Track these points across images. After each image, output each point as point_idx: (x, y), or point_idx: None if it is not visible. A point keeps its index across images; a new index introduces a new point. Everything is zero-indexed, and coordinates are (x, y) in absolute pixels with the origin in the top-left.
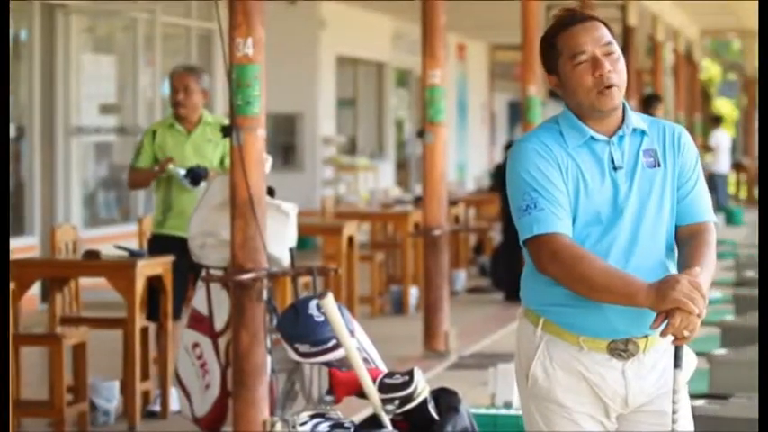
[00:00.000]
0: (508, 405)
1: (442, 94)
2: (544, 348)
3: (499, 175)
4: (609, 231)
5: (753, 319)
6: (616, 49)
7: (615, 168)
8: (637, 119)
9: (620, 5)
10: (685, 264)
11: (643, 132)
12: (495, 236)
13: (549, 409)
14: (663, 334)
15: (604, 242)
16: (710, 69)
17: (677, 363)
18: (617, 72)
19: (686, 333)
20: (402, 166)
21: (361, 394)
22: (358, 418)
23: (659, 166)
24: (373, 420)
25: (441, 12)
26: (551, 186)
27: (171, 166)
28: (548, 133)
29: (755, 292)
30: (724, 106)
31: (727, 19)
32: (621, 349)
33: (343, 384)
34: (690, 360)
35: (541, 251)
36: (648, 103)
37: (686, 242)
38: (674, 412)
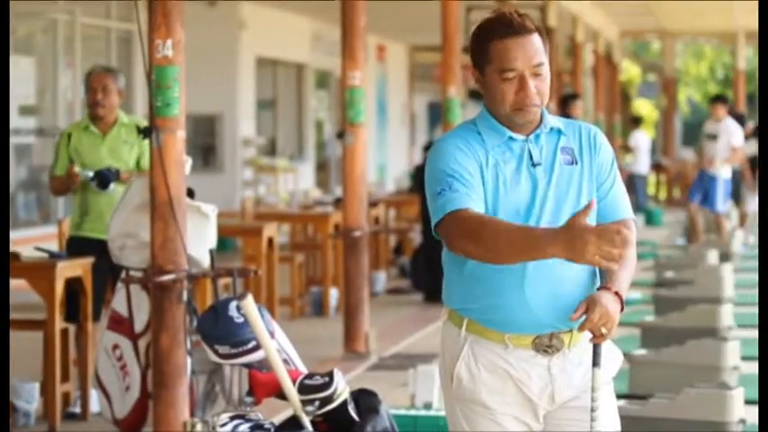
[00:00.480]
0: (428, 406)
1: (362, 95)
2: (468, 349)
3: (419, 177)
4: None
5: (672, 319)
6: (545, 69)
7: (534, 165)
8: (554, 119)
9: (539, 6)
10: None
11: (560, 131)
12: (416, 237)
13: (473, 410)
14: (580, 329)
15: None
16: (630, 70)
17: (596, 361)
18: (540, 94)
19: (603, 330)
20: (322, 167)
21: (282, 395)
22: (278, 419)
23: (576, 163)
24: (293, 421)
25: (360, 13)
26: (467, 173)
27: (78, 169)
28: (467, 133)
29: (675, 292)
30: (643, 107)
31: (646, 20)
32: (546, 345)
33: (263, 386)
34: (614, 358)
35: (450, 227)
36: (566, 102)
37: None
38: (592, 410)
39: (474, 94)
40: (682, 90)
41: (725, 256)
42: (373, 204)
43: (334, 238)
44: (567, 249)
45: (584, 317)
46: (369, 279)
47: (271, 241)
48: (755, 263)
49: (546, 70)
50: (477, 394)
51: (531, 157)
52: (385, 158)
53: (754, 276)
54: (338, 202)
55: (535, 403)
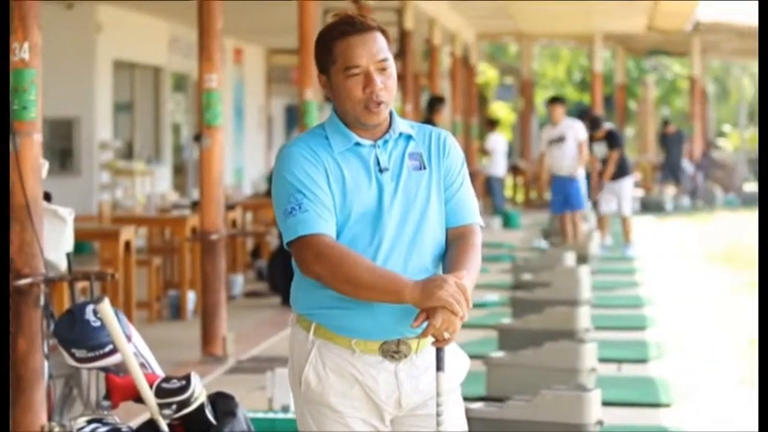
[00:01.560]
0: (286, 409)
1: (219, 98)
2: (316, 353)
3: None
4: (376, 233)
5: (529, 321)
6: (390, 64)
7: (381, 170)
8: (403, 125)
9: (396, 9)
10: (451, 265)
11: (409, 137)
12: (273, 240)
13: (322, 413)
14: (423, 335)
15: (373, 243)
16: (487, 73)
17: (439, 365)
18: (387, 89)
19: (446, 335)
20: (179, 170)
21: (139, 399)
22: (135, 422)
23: (425, 168)
24: (151, 425)
25: (217, 15)
26: (316, 188)
27: None
28: (314, 138)
29: (532, 294)
30: (500, 110)
31: (503, 22)
32: (393, 351)
33: (121, 389)
34: (461, 363)
35: (306, 252)
36: (432, 106)
37: (452, 244)
38: (438, 414)
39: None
40: (539, 93)
41: (582, 258)
42: (230, 207)
43: (192, 242)
44: (422, 296)
45: (426, 323)
46: (226, 282)
47: (128, 245)
48: (612, 264)
49: (391, 66)
50: (325, 397)
51: (378, 163)
52: (242, 162)
53: (611, 278)
54: (195, 206)
55: (382, 408)
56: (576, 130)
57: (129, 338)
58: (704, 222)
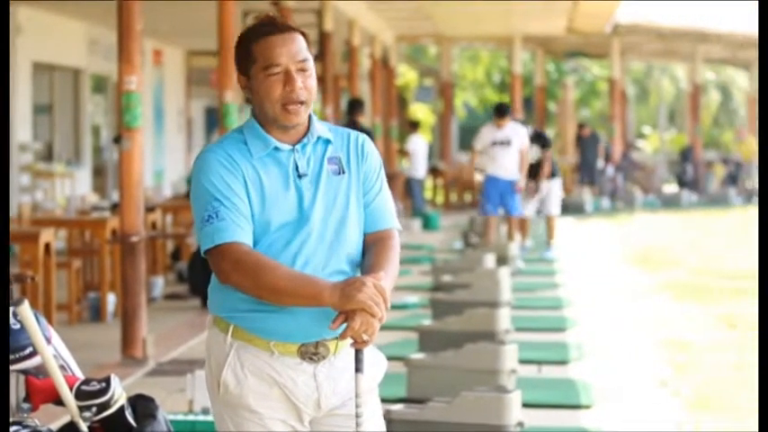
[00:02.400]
0: (206, 411)
1: (139, 99)
2: (235, 355)
3: None
4: (296, 238)
5: (450, 323)
6: (310, 65)
7: (300, 176)
8: (321, 128)
9: (315, 11)
10: (370, 268)
11: (327, 141)
12: (193, 242)
13: (241, 415)
14: (342, 337)
15: (292, 249)
16: (407, 74)
17: (358, 366)
18: (307, 89)
19: (365, 337)
20: (99, 172)
21: (59, 402)
22: (56, 425)
23: (344, 173)
24: (71, 427)
25: (137, 17)
26: (233, 196)
27: None
28: (232, 143)
29: (452, 296)
30: (420, 111)
31: (423, 24)
32: (312, 352)
33: (41, 392)
34: (379, 364)
35: (223, 262)
36: (352, 107)
37: (370, 248)
38: (357, 416)
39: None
40: (458, 94)
41: (502, 260)
42: (150, 210)
43: (112, 244)
44: (341, 299)
45: (344, 324)
46: (146, 284)
47: (48, 247)
48: (532, 266)
49: (312, 68)
50: (244, 399)
51: (297, 168)
52: (162, 163)
53: (531, 280)
54: (115, 208)
55: (301, 409)
56: (522, 136)
57: (48, 341)
58: (624, 224)
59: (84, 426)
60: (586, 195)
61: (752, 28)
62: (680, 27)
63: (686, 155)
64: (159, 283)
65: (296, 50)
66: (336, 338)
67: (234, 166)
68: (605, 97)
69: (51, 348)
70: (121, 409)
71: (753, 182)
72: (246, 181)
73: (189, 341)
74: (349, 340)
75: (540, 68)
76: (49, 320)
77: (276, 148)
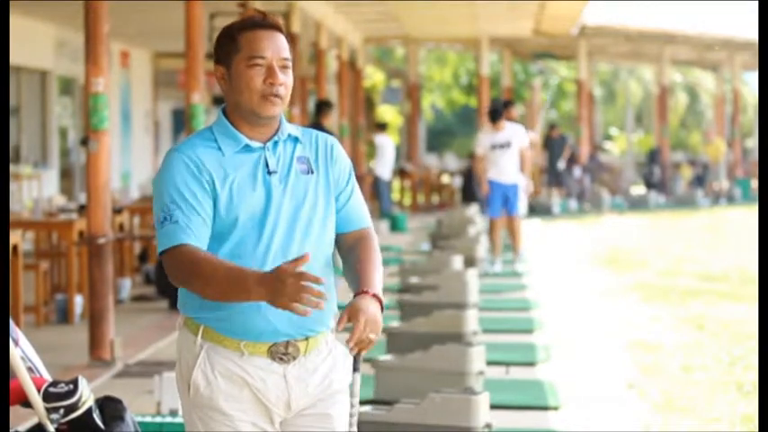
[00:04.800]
0: (174, 413)
1: (106, 101)
2: (205, 356)
3: None
4: (264, 235)
5: (417, 324)
6: (290, 65)
7: (269, 173)
8: (291, 128)
9: (283, 13)
10: (358, 264)
11: (296, 139)
12: None
13: (211, 417)
14: (349, 341)
15: (261, 246)
16: (374, 76)
17: (356, 366)
18: (286, 86)
19: (372, 336)
20: (66, 174)
21: (27, 403)
22: (23, 427)
23: (312, 173)
24: (38, 429)
25: (104, 19)
26: (193, 199)
27: None
28: (201, 142)
29: (420, 298)
30: (388, 113)
31: (390, 26)
32: (282, 353)
33: (9, 393)
34: (348, 364)
35: (169, 263)
36: (320, 109)
37: (352, 248)
38: (351, 416)
39: (219, 101)
40: (426, 96)
41: (469, 262)
42: (118, 211)
43: (79, 246)
44: (269, 293)
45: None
46: (114, 286)
47: (15, 248)
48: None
49: (291, 69)
50: (214, 401)
51: (266, 165)
52: (129, 165)
53: (499, 281)
54: (82, 209)
55: (271, 410)
56: (521, 136)
57: (16, 342)
58: (591, 225)
59: (51, 428)
60: (554, 197)
61: (719, 29)
62: (647, 29)
63: (653, 156)
64: (127, 285)
65: (281, 47)
66: (306, 338)
67: (199, 168)
68: (573, 99)
69: (19, 350)
70: (89, 411)
71: (720, 183)
72: (214, 180)
73: (157, 343)
74: (320, 341)
75: (507, 70)
76: (17, 322)
77: (247, 146)
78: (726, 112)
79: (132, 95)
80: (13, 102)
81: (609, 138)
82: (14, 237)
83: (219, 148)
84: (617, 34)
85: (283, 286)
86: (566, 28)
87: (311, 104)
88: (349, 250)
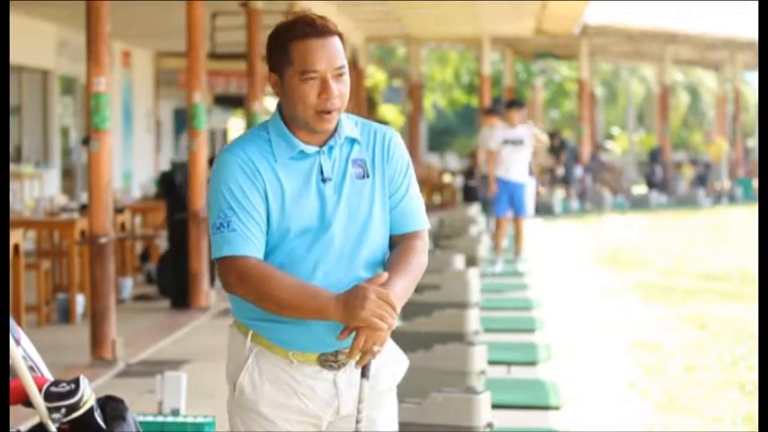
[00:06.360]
0: (175, 412)
1: (107, 101)
2: (254, 360)
3: (165, 183)
4: (317, 244)
5: (419, 324)
6: (346, 71)
7: (324, 180)
8: (350, 126)
9: (284, 12)
10: (388, 269)
11: (354, 141)
12: (162, 243)
13: (253, 420)
14: (348, 356)
15: (312, 256)
16: (376, 76)
17: (364, 372)
18: (341, 97)
19: (375, 348)
20: (68, 173)
21: (28, 403)
22: (24, 426)
23: (368, 176)
24: (40, 429)
25: (105, 18)
26: (248, 204)
27: None
28: (255, 144)
29: (421, 297)
30: (389, 112)
31: (391, 25)
32: (332, 360)
33: (10, 393)
34: (400, 361)
35: (229, 273)
36: None
37: (394, 249)
38: (357, 421)
39: (219, 100)
40: (427, 95)
41: (471, 261)
42: (119, 211)
43: (81, 245)
44: (348, 309)
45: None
46: (115, 286)
47: (17, 248)
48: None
49: (347, 74)
50: (258, 406)
51: (321, 172)
52: (131, 165)
53: (500, 281)
54: (84, 209)
55: (319, 416)
56: (532, 137)
57: (17, 342)
58: (593, 225)
59: (53, 427)
60: (555, 196)
61: (720, 29)
62: (648, 28)
63: (655, 156)
64: (128, 285)
65: (334, 56)
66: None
67: (253, 172)
68: (574, 98)
69: (20, 349)
70: (91, 411)
71: (722, 183)
72: (267, 187)
73: (158, 342)
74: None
75: (508, 69)
76: (18, 322)
77: (301, 152)
78: (727, 111)
79: (134, 95)
80: (14, 101)
81: (610, 137)
82: (16, 236)
83: (273, 153)
84: (618, 34)
85: (366, 302)
86: (567, 27)
87: None
88: (391, 250)
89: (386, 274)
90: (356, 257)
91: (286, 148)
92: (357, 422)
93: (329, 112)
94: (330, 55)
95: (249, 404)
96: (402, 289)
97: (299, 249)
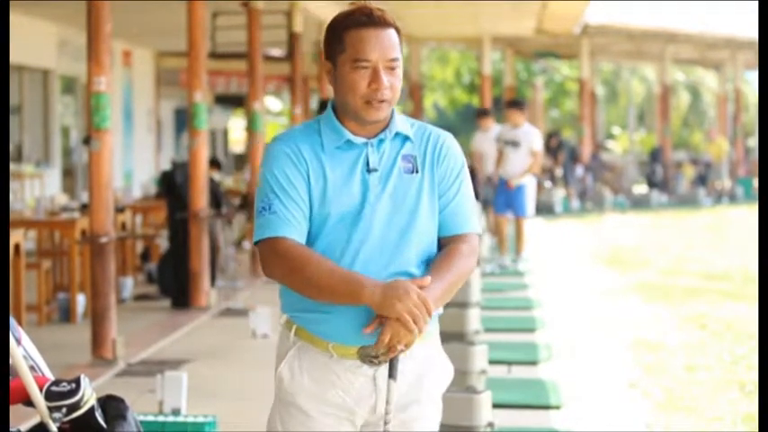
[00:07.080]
0: (176, 412)
1: (108, 100)
2: (296, 353)
3: (165, 183)
4: (356, 235)
5: None
6: (399, 64)
7: (369, 171)
8: (403, 123)
9: (285, 12)
10: (431, 271)
11: (406, 138)
12: (162, 243)
13: (291, 414)
14: (375, 347)
15: (352, 245)
16: None
17: (391, 373)
18: (392, 89)
19: (400, 347)
20: (68, 173)
21: (29, 402)
22: (25, 426)
23: (417, 172)
24: (41, 428)
25: (106, 18)
26: (291, 189)
27: None
28: (305, 134)
29: None
30: None
31: None
32: (372, 356)
33: (10, 393)
34: (445, 370)
35: (268, 254)
36: (323, 108)
37: (439, 251)
38: (385, 423)
39: (220, 99)
40: (428, 95)
41: None
42: (120, 210)
43: (81, 245)
44: (386, 297)
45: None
46: (116, 285)
47: (17, 247)
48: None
49: (400, 67)
50: (295, 397)
51: (367, 163)
52: (131, 164)
53: (501, 280)
54: (85, 208)
55: (355, 412)
56: (532, 140)
57: (18, 341)
58: (593, 224)
59: (53, 426)
60: (556, 196)
61: (721, 28)
62: (649, 28)
63: (656, 155)
64: (129, 284)
65: (388, 48)
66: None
67: (298, 158)
68: (575, 98)
69: (21, 349)
70: (91, 410)
71: (722, 182)
72: (310, 173)
73: (159, 342)
74: (415, 346)
75: (509, 69)
76: (19, 321)
77: (348, 141)
78: (728, 111)
79: (134, 94)
80: (15, 101)
81: (611, 137)
82: (17, 236)
83: (321, 142)
84: (619, 33)
85: (406, 297)
86: (568, 27)
87: (313, 103)
88: (436, 255)
89: (429, 279)
90: (401, 251)
91: (334, 137)
92: (385, 423)
93: (380, 102)
94: (383, 45)
95: (288, 397)
96: (440, 293)
97: (340, 237)
